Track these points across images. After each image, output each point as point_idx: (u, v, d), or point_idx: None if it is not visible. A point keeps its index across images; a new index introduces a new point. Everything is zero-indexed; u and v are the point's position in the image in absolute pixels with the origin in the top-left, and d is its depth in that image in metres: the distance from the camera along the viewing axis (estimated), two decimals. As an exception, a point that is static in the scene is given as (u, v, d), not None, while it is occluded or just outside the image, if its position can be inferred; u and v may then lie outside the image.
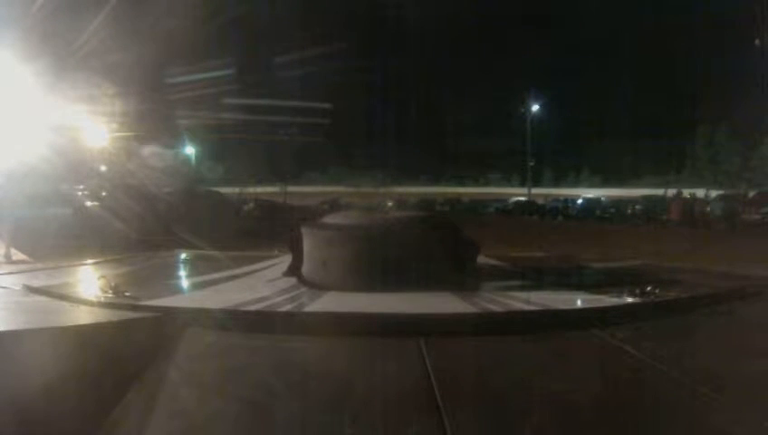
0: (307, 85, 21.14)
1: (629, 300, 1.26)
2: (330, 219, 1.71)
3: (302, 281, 1.51)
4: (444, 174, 37.45)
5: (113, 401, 0.71)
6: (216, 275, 1.73)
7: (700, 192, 22.22)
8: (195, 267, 2.30)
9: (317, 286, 1.43)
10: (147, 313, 1.05)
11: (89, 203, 10.11)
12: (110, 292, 1.26)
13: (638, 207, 21.29)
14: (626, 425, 0.70)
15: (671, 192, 22.34)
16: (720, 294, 1.39)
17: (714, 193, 22.03)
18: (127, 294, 1.26)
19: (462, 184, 37.32)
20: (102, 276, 1.72)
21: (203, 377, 0.84)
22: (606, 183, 34.75)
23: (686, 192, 20.74)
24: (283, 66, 19.82)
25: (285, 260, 1.71)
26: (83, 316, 1.12)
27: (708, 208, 18.58)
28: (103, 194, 10.32)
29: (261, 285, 1.57)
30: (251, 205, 21.68)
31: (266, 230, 7.93)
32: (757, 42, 14.79)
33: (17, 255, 5.79)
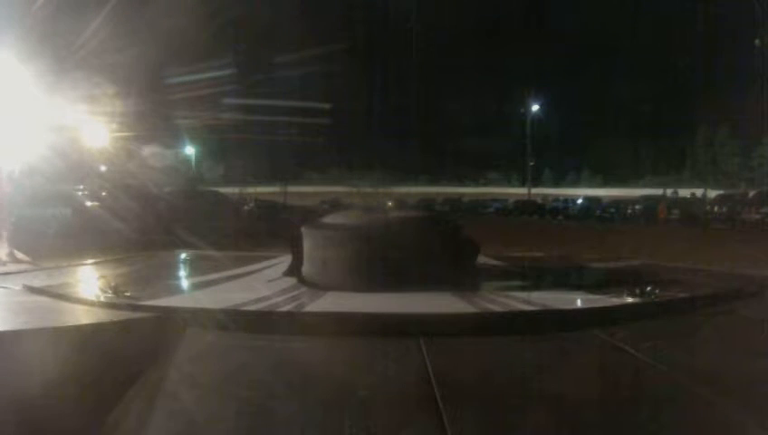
0: (307, 85, 21.19)
1: (629, 300, 1.26)
2: (330, 219, 1.70)
3: (302, 281, 1.51)
4: (444, 174, 37.53)
5: (113, 401, 0.71)
6: (215, 275, 1.72)
7: (699, 192, 22.39)
8: (194, 267, 2.29)
9: (317, 286, 1.43)
10: (147, 313, 1.04)
11: (89, 203, 10.11)
12: (110, 292, 1.26)
13: (637, 207, 21.31)
14: (626, 425, 0.70)
15: (669, 192, 22.63)
16: (720, 294, 1.38)
17: (713, 193, 22.13)
18: (127, 294, 1.25)
19: (462, 184, 37.37)
20: (102, 276, 1.73)
21: (203, 377, 0.84)
22: (606, 183, 34.81)
23: (688, 192, 21.09)
24: (282, 66, 19.86)
25: (285, 260, 1.71)
26: (83, 316, 1.12)
27: (707, 208, 18.86)
28: (103, 194, 10.32)
29: (261, 285, 1.57)
30: (251, 205, 21.70)
31: (266, 230, 7.93)
32: (757, 42, 14.79)
33: (18, 254, 5.80)
